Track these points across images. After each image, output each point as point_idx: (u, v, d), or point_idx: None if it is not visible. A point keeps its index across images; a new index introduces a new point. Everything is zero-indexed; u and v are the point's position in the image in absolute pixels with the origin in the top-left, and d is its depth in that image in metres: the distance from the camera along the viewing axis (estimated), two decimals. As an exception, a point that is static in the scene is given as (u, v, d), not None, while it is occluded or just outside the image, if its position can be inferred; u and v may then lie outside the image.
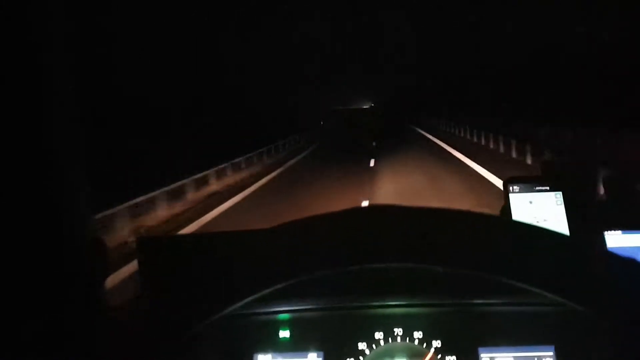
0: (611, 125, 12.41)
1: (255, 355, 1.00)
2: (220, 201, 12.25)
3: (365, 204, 10.02)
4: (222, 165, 15.88)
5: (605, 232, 1.23)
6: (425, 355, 0.98)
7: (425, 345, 0.98)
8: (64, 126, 0.74)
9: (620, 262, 0.55)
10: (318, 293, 1.01)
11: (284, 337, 1.01)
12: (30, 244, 0.69)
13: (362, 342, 0.99)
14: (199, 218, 10.51)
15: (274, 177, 16.60)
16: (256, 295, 0.57)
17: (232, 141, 19.62)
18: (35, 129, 0.69)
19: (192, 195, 12.80)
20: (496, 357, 0.97)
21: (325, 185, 12.92)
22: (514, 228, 0.59)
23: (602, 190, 1.52)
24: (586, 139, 12.96)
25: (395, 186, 12.45)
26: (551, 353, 0.96)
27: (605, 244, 1.21)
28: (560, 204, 1.29)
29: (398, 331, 0.99)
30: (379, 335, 0.99)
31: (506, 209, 1.29)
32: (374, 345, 0.99)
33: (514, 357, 0.97)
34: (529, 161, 15.21)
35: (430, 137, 30.00)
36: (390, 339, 0.99)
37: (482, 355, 0.97)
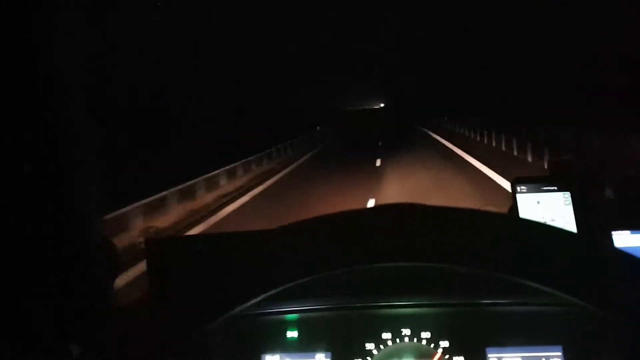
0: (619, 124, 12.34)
1: (262, 355, 1.00)
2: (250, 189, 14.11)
3: (371, 202, 10.34)
4: (247, 159, 17.67)
5: (614, 232, 1.22)
6: (433, 355, 0.98)
7: (432, 345, 0.98)
8: (74, 126, 0.74)
9: (632, 261, 0.55)
10: (326, 293, 1.01)
11: (292, 337, 1.01)
12: (40, 245, 0.70)
13: (369, 342, 0.99)
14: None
15: (286, 173, 17.72)
16: (266, 295, 0.57)
17: (244, 141, 20.57)
18: (45, 129, 0.70)
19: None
20: (504, 357, 0.97)
21: (331, 184, 13.31)
22: (528, 227, 0.59)
23: (610, 190, 1.51)
24: (592, 139, 12.90)
25: (400, 184, 12.74)
26: (559, 353, 0.96)
27: (613, 244, 1.21)
28: (569, 204, 1.28)
29: (406, 331, 1.00)
30: (386, 335, 1.00)
31: (514, 209, 1.29)
32: (381, 346, 0.99)
33: (522, 357, 0.97)
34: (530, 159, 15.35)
35: (437, 137, 30.09)
36: (398, 339, 0.99)
37: (489, 355, 0.97)
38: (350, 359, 0.99)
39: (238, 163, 16.48)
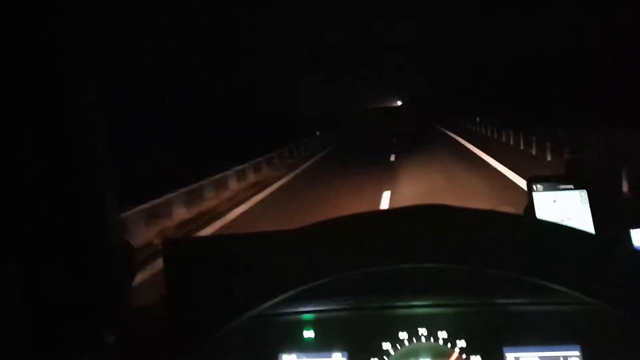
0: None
1: (279, 355, 1.01)
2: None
3: (386, 194, 10.85)
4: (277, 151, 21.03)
5: (632, 230, 1.21)
6: (450, 355, 0.98)
7: (449, 345, 0.98)
8: (90, 127, 0.75)
9: None
10: (342, 293, 1.01)
11: (308, 337, 1.02)
12: (58, 246, 0.71)
13: (386, 342, 0.99)
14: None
15: (308, 166, 20.39)
16: (285, 296, 0.57)
17: (279, 134, 24.18)
18: (62, 130, 0.71)
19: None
20: (521, 356, 0.96)
21: (348, 177, 14.68)
22: (548, 229, 0.59)
23: (626, 187, 1.49)
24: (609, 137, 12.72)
25: (413, 178, 13.55)
26: (577, 353, 0.95)
27: (631, 242, 1.20)
28: (585, 202, 1.27)
29: (422, 331, 0.99)
30: (403, 335, 0.99)
31: (530, 208, 1.28)
32: (398, 346, 0.99)
33: (539, 356, 0.96)
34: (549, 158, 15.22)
35: (452, 134, 29.98)
36: (414, 339, 0.99)
37: (507, 354, 0.96)
38: (366, 358, 0.99)
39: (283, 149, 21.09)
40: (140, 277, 0.83)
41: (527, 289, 0.94)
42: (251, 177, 15.60)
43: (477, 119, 33.18)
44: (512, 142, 21.30)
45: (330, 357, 1.00)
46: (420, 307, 1.02)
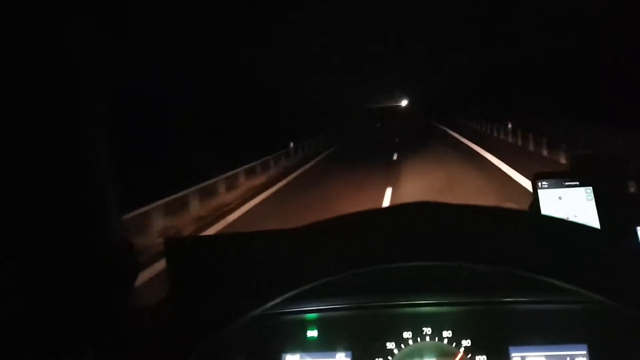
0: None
1: (283, 355, 1.00)
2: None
3: (389, 190, 10.83)
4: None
5: (638, 227, 1.20)
6: (455, 354, 0.97)
7: (454, 344, 0.97)
8: (91, 127, 0.75)
9: None
10: (346, 292, 1.00)
11: (312, 337, 1.01)
12: (58, 247, 0.71)
13: (390, 341, 0.99)
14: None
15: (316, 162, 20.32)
16: (288, 295, 0.57)
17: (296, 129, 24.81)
18: (63, 130, 0.70)
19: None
20: (527, 356, 0.95)
21: (352, 175, 14.45)
22: (551, 224, 0.58)
23: (632, 184, 1.48)
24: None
25: (414, 175, 13.45)
26: (584, 352, 0.94)
27: (638, 239, 1.19)
28: (591, 199, 1.26)
29: (427, 330, 0.98)
30: (407, 334, 0.99)
31: (535, 205, 1.27)
32: (402, 345, 0.98)
33: (546, 356, 0.95)
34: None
35: (453, 133, 29.75)
36: (419, 338, 0.99)
37: (512, 354, 0.95)
38: (370, 358, 0.98)
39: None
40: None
41: (533, 287, 0.93)
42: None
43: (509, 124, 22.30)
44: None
45: (334, 356, 0.99)
46: (424, 305, 1.01)
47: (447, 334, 0.98)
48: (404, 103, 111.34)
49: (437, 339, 0.98)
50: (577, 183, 1.28)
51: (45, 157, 0.69)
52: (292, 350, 1.00)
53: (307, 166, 19.02)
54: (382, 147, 24.06)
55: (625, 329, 0.90)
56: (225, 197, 12.05)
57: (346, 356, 0.99)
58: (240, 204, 11.31)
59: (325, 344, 1.00)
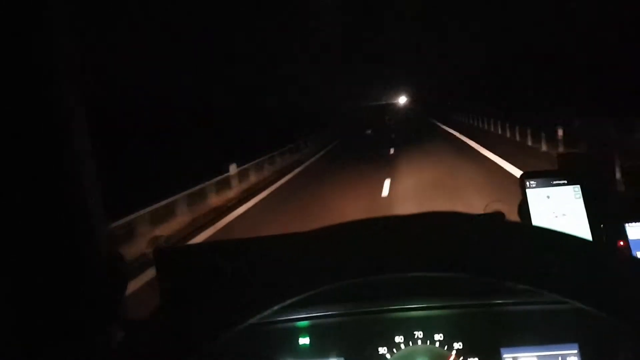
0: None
1: None
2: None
3: (387, 182, 11.57)
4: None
5: (627, 225, 1.21)
6: (447, 357, 0.97)
7: (446, 347, 0.97)
8: (76, 132, 0.74)
9: None
10: (336, 299, 1.00)
11: (304, 344, 1.01)
12: (46, 259, 0.70)
13: (382, 346, 0.98)
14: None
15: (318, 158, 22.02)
16: (281, 305, 0.56)
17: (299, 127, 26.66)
18: (46, 133, 0.69)
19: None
20: (519, 357, 0.96)
21: (352, 168, 15.68)
22: (543, 236, 0.58)
23: (621, 181, 1.49)
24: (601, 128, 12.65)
25: (410, 168, 14.54)
26: (575, 351, 0.94)
27: (627, 238, 1.19)
28: (579, 197, 1.27)
29: (418, 334, 0.99)
30: (399, 339, 0.99)
31: (523, 204, 1.28)
32: (394, 349, 0.98)
33: (537, 356, 0.95)
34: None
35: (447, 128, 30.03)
36: (410, 342, 0.99)
37: (504, 355, 0.96)
38: None
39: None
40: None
41: (522, 290, 0.94)
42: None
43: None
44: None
45: None
46: (415, 309, 1.01)
47: (438, 337, 0.98)
48: (403, 101, 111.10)
49: (428, 342, 0.98)
50: (565, 181, 1.28)
51: (27, 166, 0.68)
52: (285, 358, 1.00)
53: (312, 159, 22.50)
54: (379, 143, 24.69)
55: (616, 328, 0.91)
56: (265, 172, 16.61)
57: None
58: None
59: (318, 351, 1.00)
